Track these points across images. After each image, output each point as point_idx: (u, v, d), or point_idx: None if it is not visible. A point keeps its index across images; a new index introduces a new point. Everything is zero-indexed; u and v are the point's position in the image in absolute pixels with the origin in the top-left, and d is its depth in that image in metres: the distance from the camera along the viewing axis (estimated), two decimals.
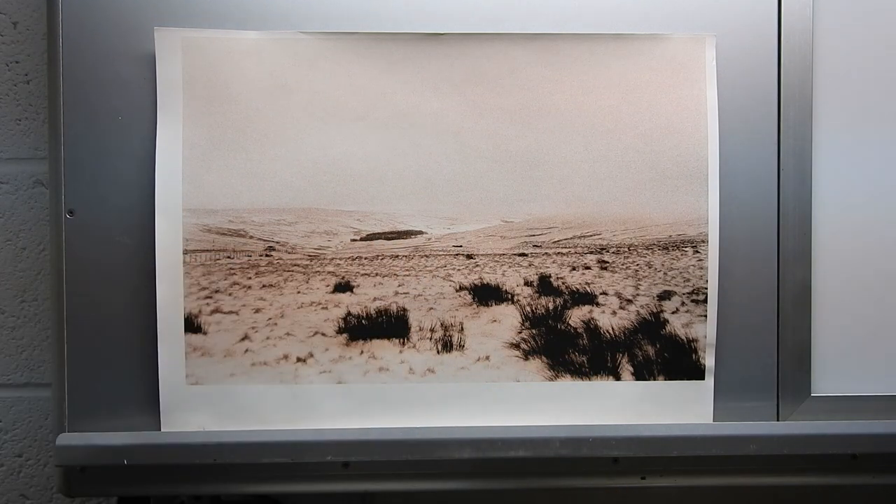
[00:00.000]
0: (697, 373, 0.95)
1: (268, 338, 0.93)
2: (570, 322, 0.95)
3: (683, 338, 0.95)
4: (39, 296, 1.10)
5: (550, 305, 0.95)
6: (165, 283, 0.91)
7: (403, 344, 0.94)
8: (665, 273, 0.95)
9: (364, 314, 0.94)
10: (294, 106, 0.92)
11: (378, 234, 0.94)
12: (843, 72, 0.96)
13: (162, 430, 0.93)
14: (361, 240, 0.94)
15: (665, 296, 0.95)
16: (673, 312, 0.95)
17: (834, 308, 0.96)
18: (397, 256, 0.94)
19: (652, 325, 0.95)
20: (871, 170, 0.97)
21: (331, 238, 0.94)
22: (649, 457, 0.94)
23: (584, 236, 0.95)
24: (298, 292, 0.93)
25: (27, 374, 1.10)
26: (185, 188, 0.92)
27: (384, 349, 0.94)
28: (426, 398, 0.94)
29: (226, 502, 1.05)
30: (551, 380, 0.95)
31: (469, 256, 0.94)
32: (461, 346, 0.94)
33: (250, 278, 0.93)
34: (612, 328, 0.95)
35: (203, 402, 0.93)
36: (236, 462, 0.92)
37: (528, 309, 0.95)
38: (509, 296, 0.95)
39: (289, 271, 0.93)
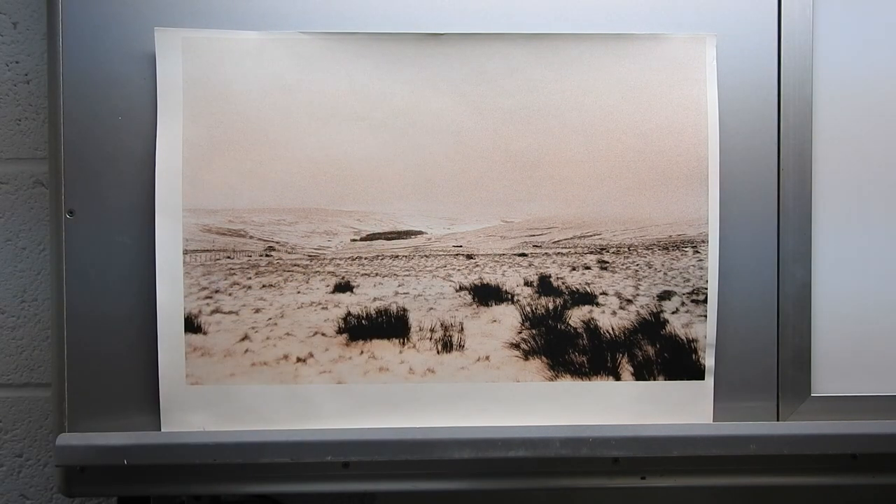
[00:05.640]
0: (697, 373, 0.95)
1: (268, 338, 0.93)
2: (570, 322, 0.95)
3: (683, 338, 0.95)
4: (39, 296, 1.10)
5: (550, 305, 0.95)
6: (165, 283, 0.91)
7: (403, 344, 0.94)
8: (665, 273, 0.95)
9: (364, 314, 0.94)
10: (294, 106, 0.92)
11: (378, 234, 0.94)
12: (843, 71, 0.96)
13: (162, 430, 0.93)
14: (361, 240, 0.94)
15: (665, 296, 0.95)
16: (673, 312, 0.95)
17: (834, 308, 0.96)
18: (397, 256, 0.94)
19: (652, 326, 0.95)
20: (870, 168, 0.96)
21: (331, 238, 0.94)
22: (649, 457, 0.94)
23: (584, 236, 0.95)
24: (298, 292, 0.93)
25: (27, 374, 1.10)
26: (185, 188, 0.91)
27: (384, 349, 0.94)
28: (426, 398, 0.94)
29: (226, 502, 1.05)
30: (551, 380, 0.95)
31: (469, 256, 0.94)
32: (461, 347, 0.94)
33: (250, 278, 0.93)
34: (612, 328, 0.95)
35: (203, 402, 0.93)
36: (236, 462, 0.92)
37: (528, 309, 0.95)
38: (509, 296, 0.95)
39: (289, 271, 0.93)
